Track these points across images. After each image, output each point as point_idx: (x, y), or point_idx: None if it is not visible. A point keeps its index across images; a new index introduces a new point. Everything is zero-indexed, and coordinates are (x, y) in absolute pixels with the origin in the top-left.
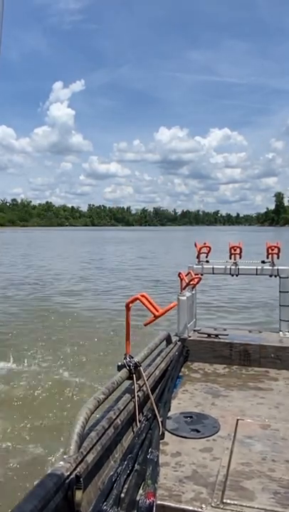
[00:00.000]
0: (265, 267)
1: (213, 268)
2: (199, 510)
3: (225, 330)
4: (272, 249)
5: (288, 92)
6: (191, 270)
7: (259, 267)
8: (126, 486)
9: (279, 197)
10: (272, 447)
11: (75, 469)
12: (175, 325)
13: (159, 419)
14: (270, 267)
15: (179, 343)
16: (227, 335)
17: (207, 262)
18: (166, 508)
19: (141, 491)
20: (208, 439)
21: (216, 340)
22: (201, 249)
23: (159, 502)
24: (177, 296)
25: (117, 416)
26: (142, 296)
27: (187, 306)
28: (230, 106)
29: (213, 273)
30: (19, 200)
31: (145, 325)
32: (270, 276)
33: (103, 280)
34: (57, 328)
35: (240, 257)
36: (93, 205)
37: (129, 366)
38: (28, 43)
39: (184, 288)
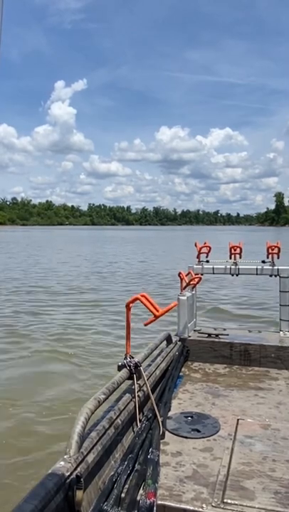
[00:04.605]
0: (265, 267)
1: (213, 268)
2: (200, 510)
3: (225, 330)
4: (273, 249)
5: (288, 92)
6: (191, 270)
7: (259, 267)
8: (126, 485)
9: (279, 197)
10: (273, 447)
11: (75, 469)
12: (175, 325)
13: (160, 419)
14: (271, 267)
15: (179, 343)
16: (227, 335)
17: (207, 261)
18: (166, 508)
19: (141, 491)
20: (209, 438)
21: (216, 340)
22: (201, 249)
23: (159, 502)
24: (177, 296)
25: (118, 416)
26: (142, 296)
27: (187, 306)
28: (230, 106)
29: (214, 273)
30: (19, 199)
31: (145, 325)
32: (271, 276)
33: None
34: None
35: (240, 257)
36: (93, 205)
37: (129, 366)
38: (28, 42)
39: (184, 288)
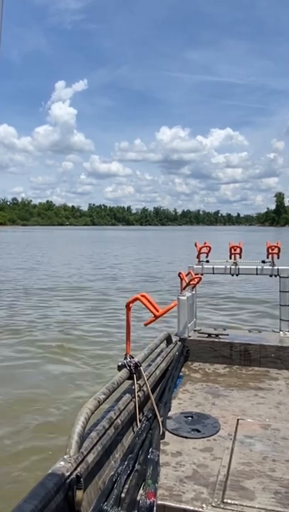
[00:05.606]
0: (265, 267)
1: (213, 268)
2: (200, 510)
3: (225, 330)
4: (273, 249)
5: (288, 92)
6: (191, 270)
7: (259, 267)
8: (126, 485)
9: (279, 197)
10: (273, 447)
11: (75, 469)
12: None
13: (160, 419)
14: (270, 267)
15: (179, 343)
16: (227, 335)
17: (207, 261)
18: (166, 508)
19: (141, 491)
20: (209, 438)
21: (216, 340)
22: (201, 249)
23: (159, 502)
24: (177, 296)
25: (118, 416)
26: (142, 296)
27: (187, 306)
28: (230, 106)
29: (214, 273)
30: (20, 199)
31: (145, 325)
32: (270, 276)
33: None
34: None
35: (240, 257)
36: (94, 205)
37: (129, 366)
38: (28, 42)
39: (184, 288)
